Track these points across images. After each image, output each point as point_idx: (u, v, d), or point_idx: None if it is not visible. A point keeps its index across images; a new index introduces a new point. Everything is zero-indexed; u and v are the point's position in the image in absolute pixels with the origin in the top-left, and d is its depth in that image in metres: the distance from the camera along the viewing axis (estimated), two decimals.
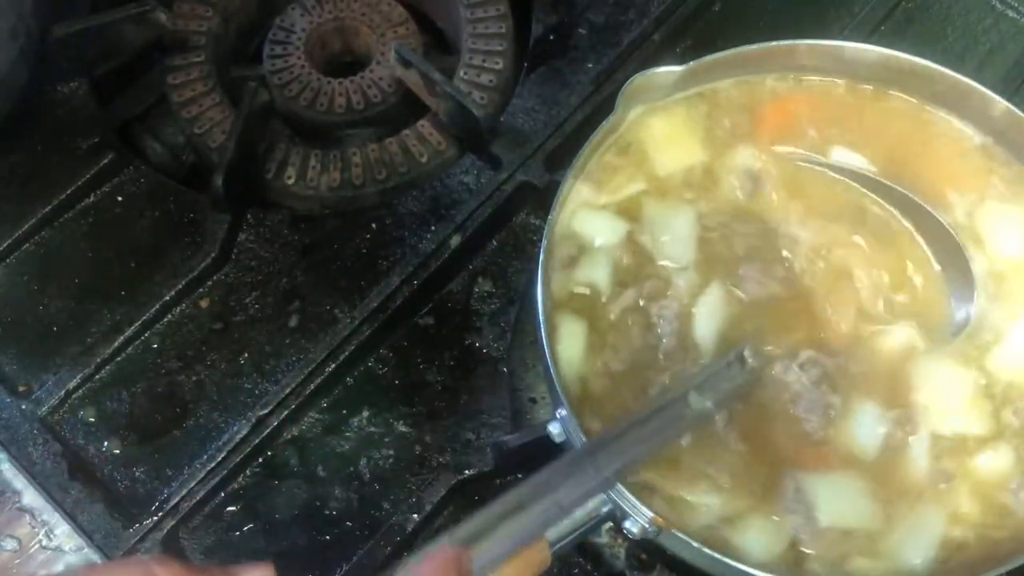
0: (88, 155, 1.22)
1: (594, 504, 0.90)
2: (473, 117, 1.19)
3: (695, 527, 0.92)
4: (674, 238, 1.04)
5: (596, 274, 1.02)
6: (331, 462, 1.10)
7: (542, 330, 0.97)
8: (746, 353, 0.96)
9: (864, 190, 1.07)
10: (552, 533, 0.87)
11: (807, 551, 0.92)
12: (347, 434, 1.11)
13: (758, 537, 0.93)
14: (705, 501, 0.93)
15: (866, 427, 0.97)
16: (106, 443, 1.10)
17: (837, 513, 0.93)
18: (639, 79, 1.07)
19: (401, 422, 1.11)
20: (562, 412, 0.94)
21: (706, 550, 0.88)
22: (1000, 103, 1.06)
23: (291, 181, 1.22)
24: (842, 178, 1.07)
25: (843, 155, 1.08)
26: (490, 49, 1.30)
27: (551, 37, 1.31)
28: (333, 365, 1.11)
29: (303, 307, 1.16)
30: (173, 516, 1.05)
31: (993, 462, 0.96)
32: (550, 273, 1.01)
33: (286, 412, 1.09)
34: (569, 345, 0.99)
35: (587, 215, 1.05)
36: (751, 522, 0.93)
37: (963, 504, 0.95)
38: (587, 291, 1.02)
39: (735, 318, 1.01)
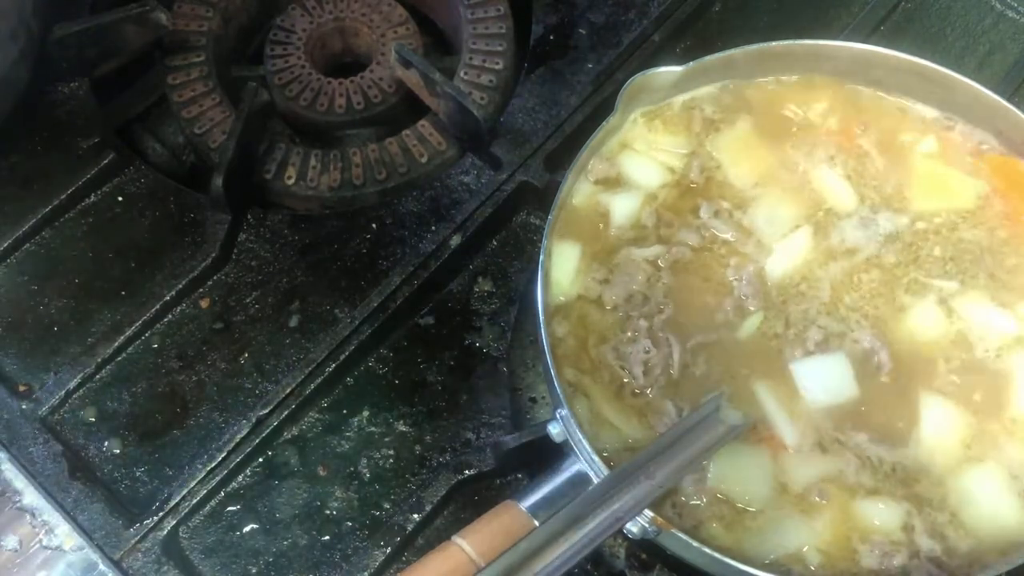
0: (88, 155, 1.22)
1: None
2: (473, 117, 1.19)
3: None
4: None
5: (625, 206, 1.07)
6: (331, 462, 1.10)
7: (542, 330, 0.97)
8: (721, 405, 0.97)
9: None
10: None
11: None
12: (347, 434, 1.11)
13: None
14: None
15: None
16: (106, 443, 1.10)
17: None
18: (639, 79, 1.07)
19: (401, 422, 1.11)
20: (562, 412, 0.94)
21: (706, 550, 0.88)
22: (997, 101, 1.06)
23: (291, 181, 1.22)
24: None
25: None
26: (490, 49, 1.30)
27: (551, 37, 1.31)
28: (333, 365, 1.11)
29: (303, 307, 1.16)
30: (173, 516, 1.05)
31: None
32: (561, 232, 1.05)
33: (286, 412, 1.09)
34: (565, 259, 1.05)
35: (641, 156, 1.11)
36: None
37: None
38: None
39: None
